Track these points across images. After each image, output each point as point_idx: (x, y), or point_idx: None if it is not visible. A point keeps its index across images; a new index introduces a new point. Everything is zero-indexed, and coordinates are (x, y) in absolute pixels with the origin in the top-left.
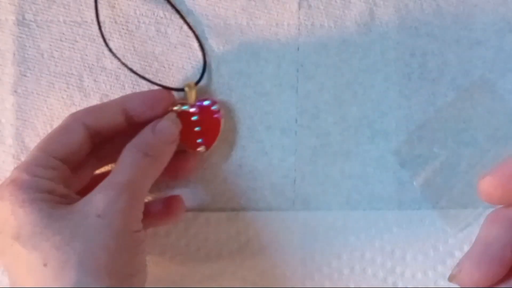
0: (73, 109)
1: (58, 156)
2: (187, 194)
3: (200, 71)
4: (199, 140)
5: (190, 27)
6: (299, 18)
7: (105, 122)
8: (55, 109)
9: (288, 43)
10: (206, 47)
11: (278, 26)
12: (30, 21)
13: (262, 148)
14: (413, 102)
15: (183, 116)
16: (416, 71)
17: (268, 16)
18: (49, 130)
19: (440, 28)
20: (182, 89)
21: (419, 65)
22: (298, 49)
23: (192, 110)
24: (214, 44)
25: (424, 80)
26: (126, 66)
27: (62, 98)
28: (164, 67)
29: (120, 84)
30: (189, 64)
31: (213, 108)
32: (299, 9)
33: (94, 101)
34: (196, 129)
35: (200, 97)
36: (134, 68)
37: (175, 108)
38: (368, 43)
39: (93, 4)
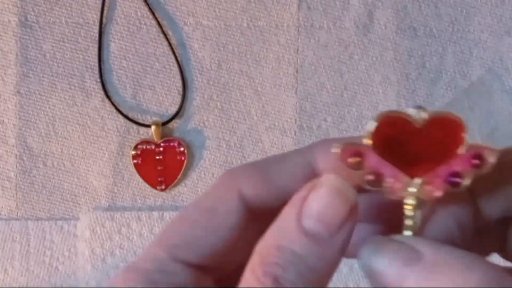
0: (75, 110)
1: (193, 260)
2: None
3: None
4: (160, 179)
5: (177, 62)
6: (298, 19)
7: (284, 187)
8: (58, 110)
9: (287, 44)
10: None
11: (277, 27)
12: (33, 22)
13: (262, 148)
14: (411, 103)
15: (148, 153)
16: (414, 72)
17: (268, 18)
18: (51, 131)
19: (438, 29)
20: (149, 126)
21: (417, 66)
22: (297, 50)
23: (157, 149)
24: (212, 47)
25: (422, 81)
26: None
27: (64, 98)
28: (165, 67)
29: (121, 84)
30: (189, 64)
31: (178, 149)
32: (299, 10)
33: (96, 101)
34: (159, 168)
35: (170, 135)
36: (136, 69)
37: (140, 146)
38: (367, 44)
39: (94, 5)
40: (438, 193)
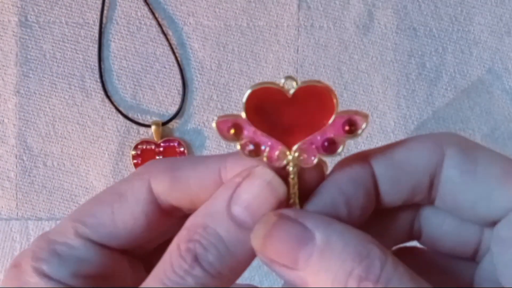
0: (75, 110)
1: (95, 238)
2: None
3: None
4: None
5: (177, 62)
6: (298, 19)
7: (191, 188)
8: (57, 110)
9: (287, 44)
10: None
11: (277, 27)
12: (33, 22)
13: None
14: (411, 103)
15: (148, 153)
16: (414, 72)
17: (268, 18)
18: (51, 131)
19: (438, 29)
20: (149, 126)
21: (417, 65)
22: (297, 50)
23: (157, 149)
24: (212, 47)
25: (422, 81)
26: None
27: (64, 98)
28: (165, 67)
29: (121, 84)
30: (189, 64)
31: (178, 149)
32: (299, 10)
33: (96, 101)
34: None
35: (170, 135)
36: (136, 69)
37: (140, 146)
38: (367, 44)
39: (94, 5)
40: (313, 161)
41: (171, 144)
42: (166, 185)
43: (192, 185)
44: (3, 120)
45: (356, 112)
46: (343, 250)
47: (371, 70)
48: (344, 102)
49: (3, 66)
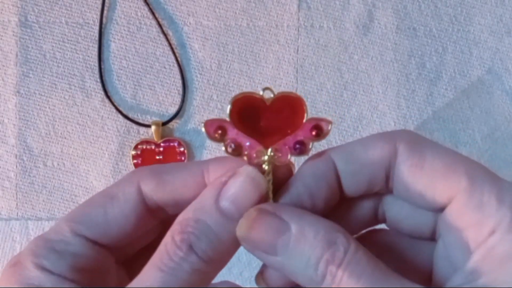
0: (75, 110)
1: (90, 235)
2: None
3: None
4: None
5: (178, 63)
6: (298, 19)
7: (176, 189)
8: (57, 110)
9: (287, 44)
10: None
11: (277, 27)
12: (33, 22)
13: None
14: (411, 103)
15: (148, 153)
16: (414, 72)
17: (268, 18)
18: (51, 131)
19: (438, 29)
20: (149, 126)
21: (417, 66)
22: (297, 50)
23: (157, 149)
24: (212, 47)
25: (422, 81)
26: None
27: (64, 98)
28: (165, 67)
29: (121, 84)
30: (189, 64)
31: (178, 149)
32: (299, 10)
33: (96, 101)
34: None
35: (170, 135)
36: (136, 69)
37: (140, 146)
38: (367, 44)
39: (94, 5)
40: (286, 159)
41: (171, 144)
42: (153, 186)
43: (177, 186)
44: (3, 120)
45: (322, 119)
46: (314, 239)
47: (371, 70)
48: (344, 102)
49: (3, 66)
